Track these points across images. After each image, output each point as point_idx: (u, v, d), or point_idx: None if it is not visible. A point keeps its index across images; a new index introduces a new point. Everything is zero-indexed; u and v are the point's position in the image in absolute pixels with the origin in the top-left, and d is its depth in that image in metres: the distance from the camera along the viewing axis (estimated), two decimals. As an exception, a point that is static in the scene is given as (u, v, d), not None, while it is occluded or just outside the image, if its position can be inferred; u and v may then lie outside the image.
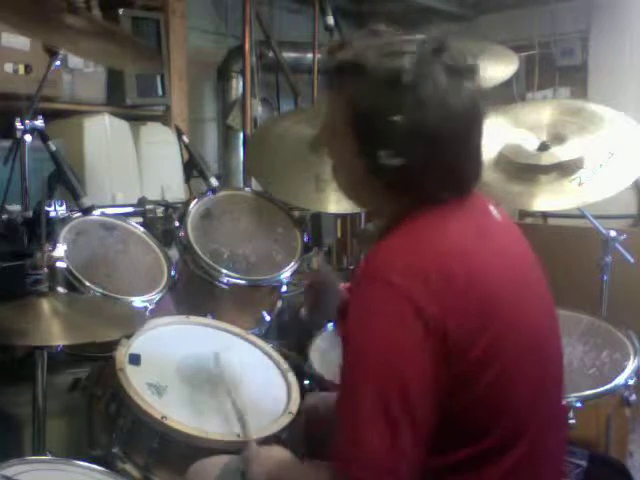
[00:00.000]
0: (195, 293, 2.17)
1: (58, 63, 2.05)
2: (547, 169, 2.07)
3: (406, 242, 1.07)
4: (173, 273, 2.08)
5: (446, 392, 1.00)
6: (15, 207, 2.12)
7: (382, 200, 1.13)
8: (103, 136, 2.95)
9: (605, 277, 2.28)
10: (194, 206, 2.23)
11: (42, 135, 2.03)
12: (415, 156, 1.04)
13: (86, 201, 2.07)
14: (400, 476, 0.96)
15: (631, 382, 1.87)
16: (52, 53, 2.02)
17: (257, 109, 3.29)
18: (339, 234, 3.42)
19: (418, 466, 0.98)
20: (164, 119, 3.42)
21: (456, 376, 1.00)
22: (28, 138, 1.96)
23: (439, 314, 0.98)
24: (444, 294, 0.99)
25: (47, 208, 1.89)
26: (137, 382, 1.58)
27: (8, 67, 2.65)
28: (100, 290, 1.87)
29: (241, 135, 3.49)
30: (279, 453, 1.26)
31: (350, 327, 1.05)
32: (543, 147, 2.11)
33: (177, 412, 1.54)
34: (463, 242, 1.07)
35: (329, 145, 1.16)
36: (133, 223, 2.19)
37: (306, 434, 1.57)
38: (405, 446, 0.96)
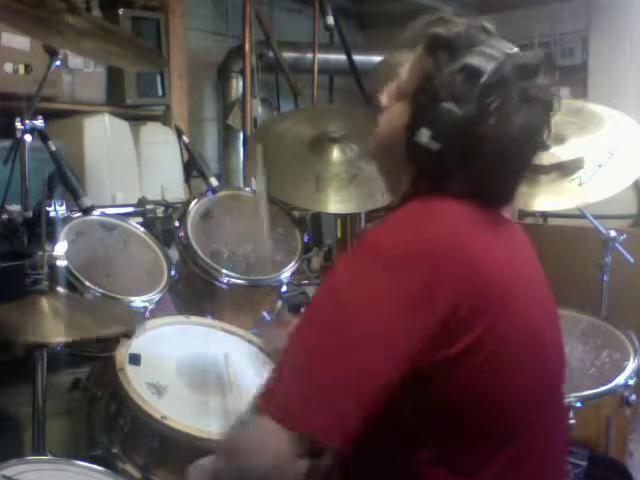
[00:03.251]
0: (195, 293, 2.17)
1: (58, 63, 2.05)
2: (547, 169, 2.07)
3: (409, 220, 1.06)
4: (173, 273, 2.08)
5: (425, 376, 0.98)
6: (15, 207, 2.12)
7: (406, 182, 1.12)
8: (103, 136, 2.96)
9: (605, 277, 2.28)
10: (194, 206, 2.23)
11: (42, 135, 2.02)
12: (452, 150, 1.05)
13: (86, 201, 2.07)
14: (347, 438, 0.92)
15: (631, 382, 1.87)
16: (52, 53, 2.01)
17: (257, 109, 3.29)
18: (339, 234, 3.42)
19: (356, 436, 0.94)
20: (164, 119, 3.42)
21: (440, 360, 0.98)
22: (28, 138, 1.96)
23: (426, 295, 0.96)
24: (434, 275, 0.98)
25: (47, 208, 1.89)
26: (137, 382, 1.58)
27: (8, 67, 2.66)
28: (100, 290, 1.86)
29: (241, 135, 3.49)
30: None
31: (327, 286, 1.04)
32: (543, 147, 2.11)
33: (177, 412, 1.54)
34: (468, 230, 1.06)
35: (386, 104, 1.17)
36: (133, 223, 2.18)
37: None
38: (350, 411, 0.92)
